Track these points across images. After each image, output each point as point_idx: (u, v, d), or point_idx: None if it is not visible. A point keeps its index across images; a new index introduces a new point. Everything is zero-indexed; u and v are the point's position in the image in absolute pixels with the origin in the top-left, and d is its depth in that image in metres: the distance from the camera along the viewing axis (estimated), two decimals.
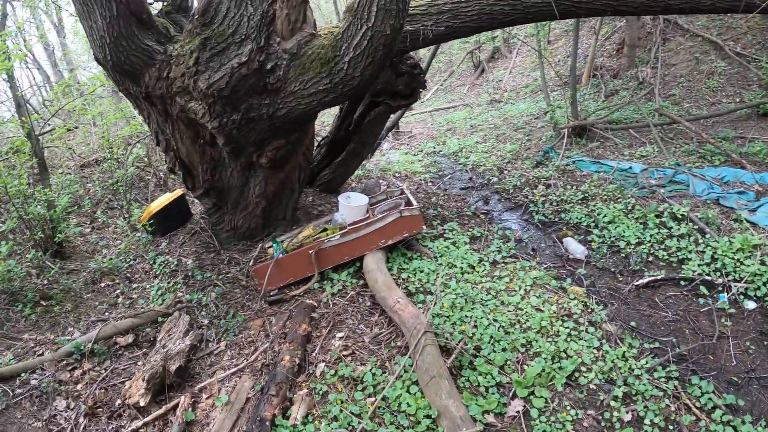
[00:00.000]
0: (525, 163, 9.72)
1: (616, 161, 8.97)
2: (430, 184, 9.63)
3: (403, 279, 6.14)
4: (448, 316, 5.36)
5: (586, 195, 7.84)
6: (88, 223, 8.13)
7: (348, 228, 6.34)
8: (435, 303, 5.37)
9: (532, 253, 6.93)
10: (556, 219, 7.65)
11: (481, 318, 5.32)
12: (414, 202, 6.71)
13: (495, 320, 5.32)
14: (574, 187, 8.28)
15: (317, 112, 6.03)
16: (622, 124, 10.51)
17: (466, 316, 5.37)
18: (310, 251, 6.26)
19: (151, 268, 6.82)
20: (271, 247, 6.89)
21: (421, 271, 6.29)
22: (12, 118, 8.59)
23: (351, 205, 6.81)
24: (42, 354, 5.43)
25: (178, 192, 7.59)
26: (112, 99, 12.42)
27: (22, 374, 5.10)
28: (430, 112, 17.88)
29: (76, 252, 7.31)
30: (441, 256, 6.62)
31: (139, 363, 5.31)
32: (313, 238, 6.52)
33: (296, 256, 6.31)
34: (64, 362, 5.26)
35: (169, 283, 6.51)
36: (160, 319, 5.93)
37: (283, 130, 6.01)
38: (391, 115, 8.75)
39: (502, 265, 6.51)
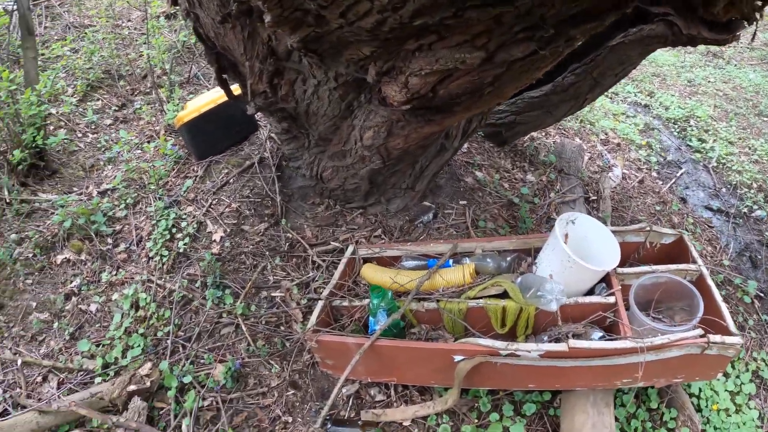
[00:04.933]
0: None
1: None
2: (655, 175, 4.65)
3: None
4: None
5: None
6: (115, 109, 4.13)
7: (569, 346, 2.09)
8: None
9: None
10: None
11: None
12: (723, 309, 2.24)
13: None
14: None
15: None
16: None
17: None
18: (458, 358, 2.22)
19: (150, 234, 3.13)
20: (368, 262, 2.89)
21: None
22: None
23: (581, 263, 2.32)
24: None
25: (237, 89, 3.55)
26: None
27: None
28: None
29: (70, 164, 3.68)
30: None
31: None
32: (468, 299, 2.45)
33: (421, 352, 2.33)
34: None
35: (156, 295, 2.77)
36: (95, 422, 2.36)
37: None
38: None
39: None
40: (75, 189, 3.39)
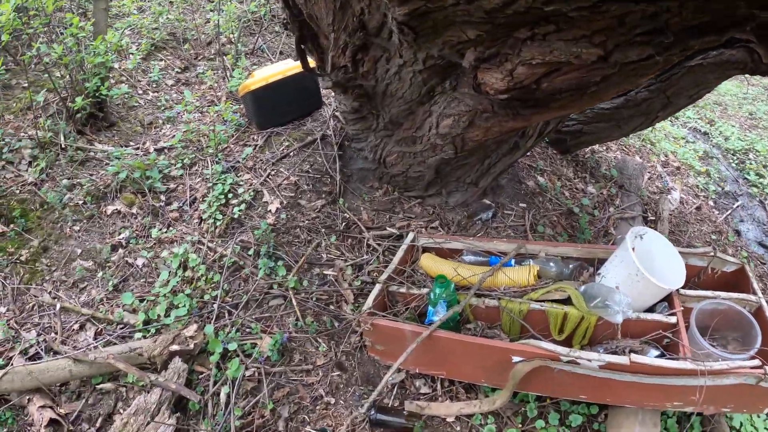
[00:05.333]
0: None
1: None
2: (712, 204, 4.41)
3: None
4: None
5: None
6: (177, 71, 3.98)
7: (631, 360, 1.93)
8: None
9: None
10: None
11: None
12: None
13: None
14: None
15: None
16: None
17: None
18: (516, 359, 2.05)
19: (205, 196, 2.98)
20: (427, 252, 2.71)
21: None
22: None
23: (650, 278, 2.16)
24: None
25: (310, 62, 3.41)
26: None
27: None
28: None
29: (129, 119, 3.54)
30: None
31: None
32: (530, 300, 2.30)
33: (478, 348, 2.16)
34: None
35: (206, 257, 2.61)
36: (130, 378, 2.21)
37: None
38: None
39: None
40: (132, 143, 3.27)
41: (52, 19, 3.30)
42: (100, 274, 2.61)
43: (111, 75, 3.51)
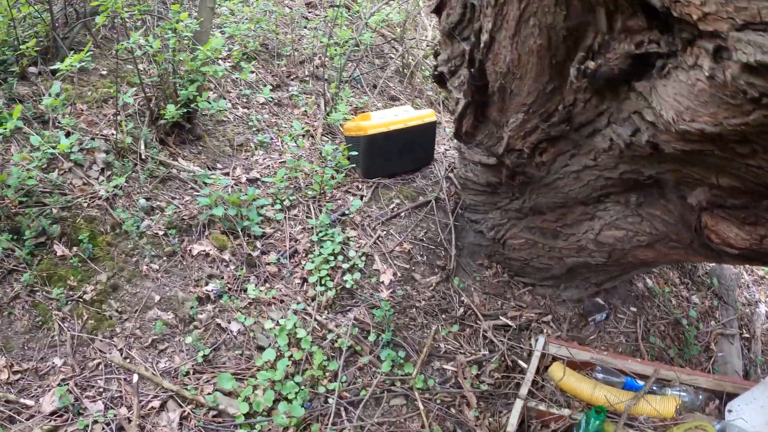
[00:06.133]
0: None
1: None
2: None
3: None
4: None
5: None
6: (270, 88, 3.21)
7: None
8: None
9: None
10: None
11: None
12: None
13: None
14: None
15: None
16: None
17: None
18: None
19: (309, 251, 2.48)
20: (556, 360, 2.31)
21: None
22: None
23: None
24: None
25: (429, 115, 2.89)
26: None
27: None
28: None
29: (216, 135, 2.89)
30: None
31: None
32: None
33: None
34: None
35: (314, 334, 2.15)
36: None
37: None
38: None
39: None
40: (219, 166, 2.73)
41: (152, 8, 2.73)
42: (188, 339, 2.07)
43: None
